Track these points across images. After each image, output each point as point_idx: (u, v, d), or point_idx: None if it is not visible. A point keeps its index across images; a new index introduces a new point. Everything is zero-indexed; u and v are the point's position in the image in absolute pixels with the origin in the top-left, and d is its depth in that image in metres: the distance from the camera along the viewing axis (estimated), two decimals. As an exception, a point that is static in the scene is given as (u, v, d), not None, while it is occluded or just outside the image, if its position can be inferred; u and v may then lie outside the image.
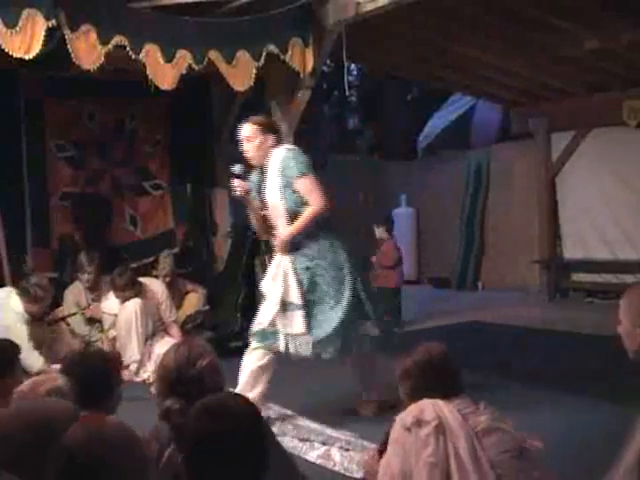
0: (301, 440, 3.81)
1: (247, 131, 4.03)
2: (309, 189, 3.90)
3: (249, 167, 4.12)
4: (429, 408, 2.24)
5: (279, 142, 4.10)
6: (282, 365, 4.17)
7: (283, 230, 3.97)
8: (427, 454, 2.16)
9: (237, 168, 4.05)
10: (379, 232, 7.62)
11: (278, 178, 3.94)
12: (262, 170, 4.08)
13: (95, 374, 2.46)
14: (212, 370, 2.41)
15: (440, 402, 2.28)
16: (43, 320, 5.33)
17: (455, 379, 2.41)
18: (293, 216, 3.95)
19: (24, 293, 5.07)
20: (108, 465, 1.54)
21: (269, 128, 4.06)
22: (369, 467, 2.55)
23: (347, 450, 3.59)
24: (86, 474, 1.53)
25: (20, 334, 4.73)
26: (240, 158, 4.11)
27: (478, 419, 2.27)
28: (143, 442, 1.79)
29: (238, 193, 4.02)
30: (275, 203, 3.99)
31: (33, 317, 5.08)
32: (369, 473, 2.52)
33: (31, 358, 4.77)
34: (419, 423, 2.21)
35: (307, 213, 3.89)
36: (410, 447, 2.20)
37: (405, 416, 2.27)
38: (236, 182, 4.01)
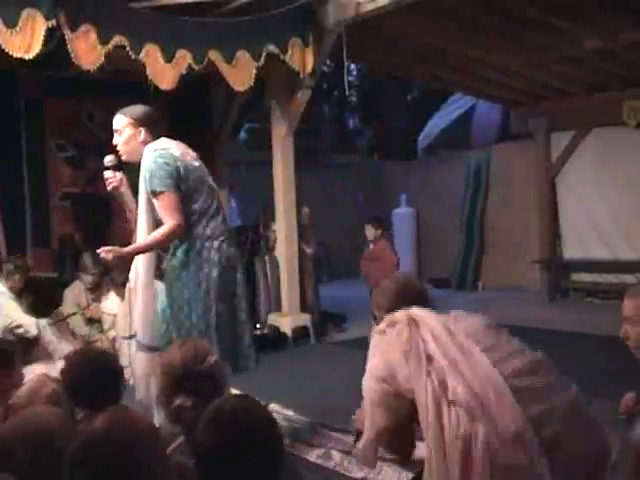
0: (301, 441, 3.81)
1: (116, 123, 3.57)
2: (162, 208, 3.42)
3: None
4: (399, 312, 2.37)
5: (155, 137, 3.56)
6: (282, 365, 4.17)
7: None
8: (400, 343, 2.24)
9: (108, 159, 3.59)
10: (367, 230, 7.50)
11: (144, 185, 3.49)
12: (138, 169, 3.56)
13: (101, 374, 2.46)
14: (220, 367, 2.42)
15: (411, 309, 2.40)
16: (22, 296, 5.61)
17: (424, 293, 2.62)
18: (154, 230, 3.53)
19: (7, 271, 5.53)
20: (134, 460, 1.52)
21: (142, 121, 3.54)
22: (361, 420, 2.59)
23: (348, 453, 3.59)
24: (110, 468, 1.51)
25: (10, 307, 5.31)
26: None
27: (448, 314, 2.39)
28: (163, 439, 1.78)
29: (110, 187, 3.59)
30: (140, 211, 3.54)
31: (17, 292, 5.53)
32: (360, 422, 2.58)
33: (26, 322, 5.25)
34: (392, 324, 2.32)
35: (158, 232, 3.43)
36: (388, 345, 2.28)
37: (379, 325, 2.40)
38: (106, 174, 3.58)
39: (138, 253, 3.50)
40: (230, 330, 3.56)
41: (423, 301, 2.54)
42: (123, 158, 3.60)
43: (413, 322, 2.27)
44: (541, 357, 2.31)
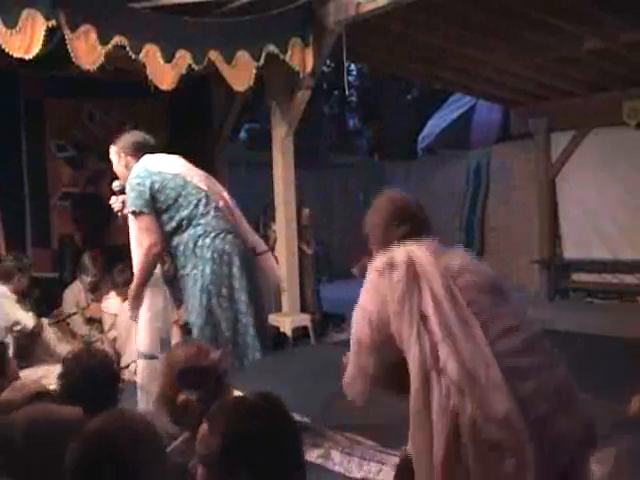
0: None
1: (109, 151, 3.93)
2: (136, 229, 3.71)
3: None
4: (400, 252, 2.20)
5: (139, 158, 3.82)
6: (282, 365, 4.18)
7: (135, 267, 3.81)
8: (397, 294, 2.10)
9: (115, 184, 3.95)
10: None
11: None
12: None
13: (97, 377, 2.46)
14: (223, 364, 2.44)
15: (411, 245, 2.23)
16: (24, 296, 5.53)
17: (422, 214, 2.41)
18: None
19: (2, 273, 5.40)
20: (128, 458, 1.52)
21: (124, 148, 3.83)
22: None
23: (348, 454, 3.59)
24: (106, 464, 1.51)
25: (6, 304, 5.23)
26: None
27: (451, 261, 2.20)
28: (163, 438, 1.78)
29: (116, 209, 3.93)
30: (130, 225, 3.80)
31: (20, 293, 5.44)
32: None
33: (22, 318, 5.19)
34: (391, 266, 2.16)
35: (140, 261, 3.71)
36: (384, 291, 2.14)
37: (378, 261, 2.23)
38: (112, 199, 3.94)
39: (140, 287, 3.76)
40: (230, 323, 3.66)
41: (420, 220, 2.38)
42: (122, 182, 3.88)
43: (414, 271, 2.13)
44: (538, 331, 2.20)
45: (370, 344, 2.16)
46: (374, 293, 2.18)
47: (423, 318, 2.05)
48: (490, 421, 1.90)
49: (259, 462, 1.57)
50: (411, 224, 2.33)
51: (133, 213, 3.65)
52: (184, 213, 3.67)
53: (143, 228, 3.65)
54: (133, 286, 3.75)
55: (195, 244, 3.65)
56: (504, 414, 1.90)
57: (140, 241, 3.69)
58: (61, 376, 2.50)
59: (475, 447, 1.90)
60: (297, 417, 4.20)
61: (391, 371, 2.16)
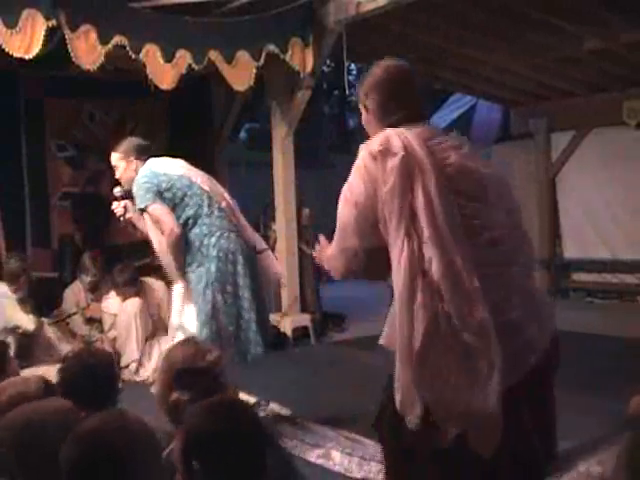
0: (301, 440, 3.81)
1: (112, 160, 4.01)
2: (153, 221, 3.83)
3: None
4: (396, 138, 2.10)
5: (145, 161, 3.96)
6: (282, 365, 4.18)
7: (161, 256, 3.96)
8: (388, 185, 2.04)
9: (116, 190, 4.06)
10: None
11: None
12: None
13: (97, 374, 2.46)
14: (221, 365, 2.43)
15: (406, 132, 2.13)
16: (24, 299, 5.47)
17: (420, 97, 2.35)
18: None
19: (8, 275, 5.39)
20: (125, 458, 1.53)
21: (130, 152, 3.95)
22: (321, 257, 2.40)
23: (348, 454, 3.59)
24: (103, 464, 1.52)
25: (8, 306, 5.20)
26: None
27: (447, 155, 2.13)
28: (160, 438, 1.80)
29: (118, 214, 4.02)
30: (148, 226, 3.94)
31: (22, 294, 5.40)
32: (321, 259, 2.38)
33: (23, 320, 5.17)
34: (386, 152, 2.07)
35: (168, 251, 3.84)
36: (376, 175, 2.08)
37: (371, 143, 2.13)
38: (113, 205, 4.03)
39: (179, 269, 3.88)
40: (233, 319, 3.79)
41: (418, 104, 2.29)
42: (126, 188, 3.99)
43: (409, 164, 2.05)
44: (522, 241, 2.21)
45: (354, 226, 2.13)
46: (365, 176, 2.10)
47: (413, 216, 2.02)
48: (466, 326, 1.94)
49: (220, 459, 1.61)
50: (408, 110, 2.24)
51: (145, 209, 3.76)
52: (190, 212, 3.81)
53: (158, 218, 3.77)
54: (173, 271, 3.88)
55: (201, 243, 3.80)
56: (479, 322, 1.94)
57: (160, 230, 3.80)
58: (61, 372, 2.50)
59: (452, 341, 1.94)
60: (297, 416, 4.21)
61: (372, 256, 2.13)
